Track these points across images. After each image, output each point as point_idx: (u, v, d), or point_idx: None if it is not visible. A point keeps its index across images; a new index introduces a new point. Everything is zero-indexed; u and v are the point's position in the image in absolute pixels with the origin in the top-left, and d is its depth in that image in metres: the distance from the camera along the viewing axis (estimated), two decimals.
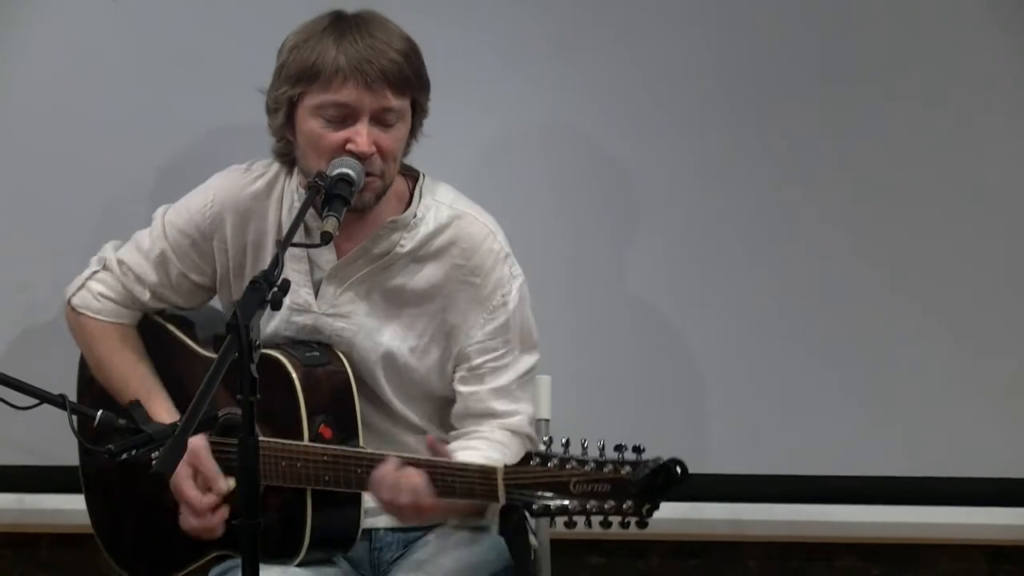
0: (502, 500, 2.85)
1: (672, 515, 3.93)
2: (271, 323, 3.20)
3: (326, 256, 3.19)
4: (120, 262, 3.31)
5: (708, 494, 3.94)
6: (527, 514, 2.90)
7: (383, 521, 3.19)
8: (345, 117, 3.05)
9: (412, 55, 3.10)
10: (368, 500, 3.12)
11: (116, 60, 3.93)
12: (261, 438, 3.01)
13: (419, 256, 3.18)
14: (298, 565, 3.10)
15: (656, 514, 3.94)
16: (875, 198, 3.92)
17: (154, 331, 3.33)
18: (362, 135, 3.05)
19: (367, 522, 3.16)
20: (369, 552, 3.22)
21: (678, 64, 3.91)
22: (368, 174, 3.07)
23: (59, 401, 3.04)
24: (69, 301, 3.33)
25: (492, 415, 3.17)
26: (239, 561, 2.69)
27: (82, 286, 3.32)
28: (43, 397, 3.05)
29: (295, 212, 3.09)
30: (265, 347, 3.10)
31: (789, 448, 3.95)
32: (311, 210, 3.04)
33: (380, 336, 3.18)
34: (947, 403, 3.93)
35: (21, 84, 3.97)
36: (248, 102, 3.83)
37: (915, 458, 3.95)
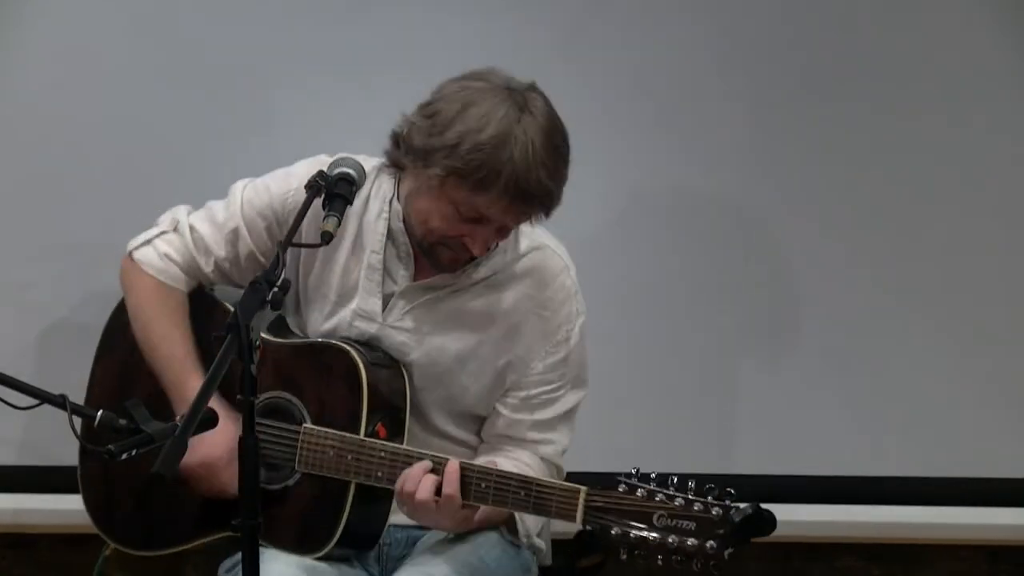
0: (579, 522, 2.88)
1: None
2: (330, 321, 3.22)
3: (402, 272, 3.20)
4: (192, 228, 3.29)
5: None
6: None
7: (391, 518, 3.20)
8: (475, 220, 3.05)
9: (565, 170, 3.06)
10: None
11: (116, 59, 3.93)
12: (307, 425, 3.08)
13: (492, 282, 3.21)
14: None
15: None
16: (878, 198, 3.92)
17: (209, 304, 3.30)
18: (481, 242, 3.08)
19: None
20: (377, 548, 3.23)
21: (679, 63, 3.91)
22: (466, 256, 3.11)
23: (59, 401, 3.04)
24: (130, 253, 3.30)
25: (527, 443, 3.21)
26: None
27: (148, 242, 3.30)
28: (43, 397, 3.04)
29: (380, 224, 3.15)
30: (330, 338, 3.16)
31: (790, 448, 3.95)
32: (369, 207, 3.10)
33: (441, 356, 3.20)
34: (947, 403, 3.94)
35: (21, 83, 3.96)
36: (251, 101, 3.85)
37: (915, 458, 3.95)
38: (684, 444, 3.89)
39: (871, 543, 4.03)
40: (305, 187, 3.04)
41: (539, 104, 3.05)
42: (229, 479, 3.06)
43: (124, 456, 2.97)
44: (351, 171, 3.01)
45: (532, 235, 3.24)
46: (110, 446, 2.96)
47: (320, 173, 3.01)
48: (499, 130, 2.98)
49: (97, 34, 3.93)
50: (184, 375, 3.18)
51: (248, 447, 2.68)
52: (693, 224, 3.95)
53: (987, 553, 4.04)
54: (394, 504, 3.15)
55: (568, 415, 3.26)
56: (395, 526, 3.22)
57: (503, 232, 3.11)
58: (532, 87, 3.08)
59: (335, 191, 2.98)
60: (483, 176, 2.98)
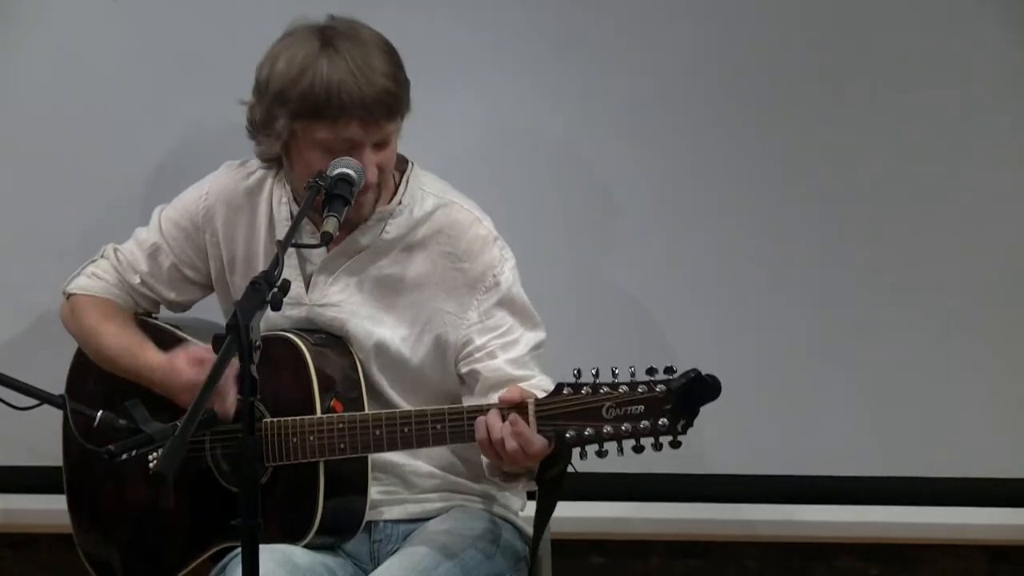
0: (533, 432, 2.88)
1: (672, 515, 3.96)
2: (262, 316, 3.21)
3: (315, 249, 3.20)
4: (116, 251, 3.37)
5: (708, 494, 3.94)
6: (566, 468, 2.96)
7: (384, 514, 3.22)
8: (349, 148, 3.08)
9: (399, 72, 3.12)
10: (372, 492, 3.15)
11: (116, 60, 3.93)
12: (267, 419, 3.08)
13: (407, 245, 3.22)
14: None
15: (656, 514, 3.99)
16: (875, 197, 3.92)
17: (153, 332, 3.33)
18: (369, 166, 3.09)
19: (368, 514, 3.17)
20: (369, 544, 3.23)
21: (674, 63, 3.91)
22: (367, 189, 3.12)
23: (59, 401, 3.05)
24: (65, 291, 3.37)
25: (514, 380, 3.14)
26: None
27: (77, 275, 3.37)
28: (43, 397, 3.05)
29: (283, 209, 3.19)
30: (270, 331, 3.16)
31: (789, 448, 3.95)
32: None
33: (372, 325, 3.21)
34: (947, 403, 3.93)
35: (21, 84, 3.97)
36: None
37: (915, 458, 3.95)
38: (682, 445, 3.88)
39: (871, 543, 4.03)
40: (305, 187, 3.06)
41: (343, 23, 3.13)
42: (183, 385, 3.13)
43: (124, 456, 2.98)
44: (350, 171, 3.03)
45: (439, 193, 3.25)
46: (110, 446, 2.97)
47: (319, 173, 3.03)
48: (309, 59, 3.07)
49: (97, 36, 3.94)
50: (141, 351, 3.22)
51: (248, 447, 2.68)
52: (692, 223, 3.95)
53: (987, 553, 4.04)
54: (382, 497, 3.18)
55: (535, 353, 3.21)
56: (387, 521, 3.23)
57: (383, 147, 3.11)
58: (332, 16, 3.15)
59: (334, 191, 3.00)
60: (319, 103, 3.04)
